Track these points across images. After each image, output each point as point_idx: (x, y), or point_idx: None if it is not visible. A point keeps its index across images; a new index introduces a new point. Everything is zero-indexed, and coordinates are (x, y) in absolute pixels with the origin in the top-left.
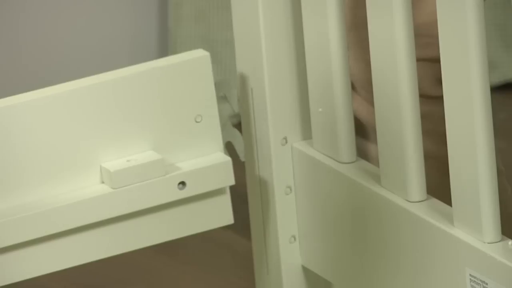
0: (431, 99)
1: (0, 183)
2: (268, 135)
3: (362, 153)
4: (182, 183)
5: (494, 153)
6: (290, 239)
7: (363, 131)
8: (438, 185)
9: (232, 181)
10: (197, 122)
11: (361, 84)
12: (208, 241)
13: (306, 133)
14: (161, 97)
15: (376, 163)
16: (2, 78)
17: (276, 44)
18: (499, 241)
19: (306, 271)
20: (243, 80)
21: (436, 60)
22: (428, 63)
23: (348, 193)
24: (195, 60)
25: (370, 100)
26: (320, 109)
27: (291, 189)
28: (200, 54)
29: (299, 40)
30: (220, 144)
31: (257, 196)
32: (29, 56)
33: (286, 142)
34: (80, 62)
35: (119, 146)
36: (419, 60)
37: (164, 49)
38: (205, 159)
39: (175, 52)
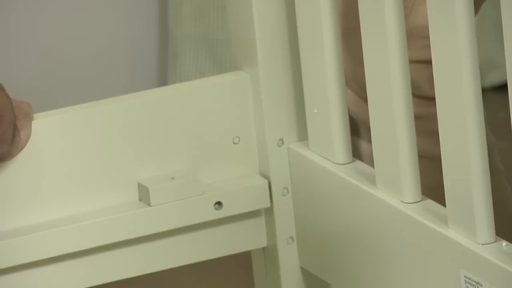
0: (429, 100)
1: (36, 198)
2: (265, 136)
3: (354, 150)
4: (219, 203)
5: (486, 155)
6: (288, 240)
7: (354, 127)
8: (439, 185)
9: (267, 204)
10: (234, 143)
11: (351, 76)
12: None
13: (303, 134)
14: (200, 117)
15: (367, 160)
16: (1, 78)
17: (271, 46)
18: (493, 242)
19: (304, 272)
20: None
21: None
22: (427, 65)
23: (344, 194)
24: (234, 82)
25: (359, 93)
26: (316, 111)
27: (288, 190)
28: (240, 76)
29: (294, 41)
30: (256, 166)
31: None
32: (29, 56)
33: (283, 143)
34: (80, 62)
35: (157, 164)
36: (418, 62)
37: (164, 49)
38: (242, 180)
39: (175, 52)
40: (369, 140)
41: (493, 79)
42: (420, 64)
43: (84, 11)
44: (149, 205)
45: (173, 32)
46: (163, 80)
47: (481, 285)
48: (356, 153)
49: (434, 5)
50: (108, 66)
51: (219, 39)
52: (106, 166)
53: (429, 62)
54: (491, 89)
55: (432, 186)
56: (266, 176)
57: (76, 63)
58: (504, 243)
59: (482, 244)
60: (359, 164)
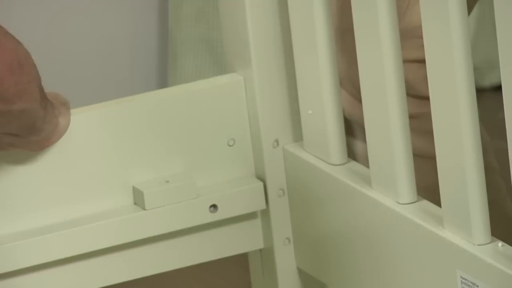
0: (426, 100)
1: (31, 203)
2: (260, 137)
3: (349, 151)
4: (214, 206)
5: (481, 154)
6: (284, 241)
7: (349, 128)
8: (435, 184)
9: (263, 206)
10: (229, 145)
11: (346, 77)
12: None
13: (298, 135)
14: (195, 120)
15: (362, 161)
16: None
17: (265, 47)
18: (488, 243)
19: (301, 273)
20: None
21: None
22: (422, 65)
23: (339, 195)
24: (229, 84)
25: (354, 94)
26: (310, 112)
27: (284, 192)
28: (235, 79)
29: (288, 43)
30: (252, 168)
31: None
32: None
33: (278, 144)
34: (80, 62)
35: (151, 167)
36: (413, 61)
37: (164, 49)
38: (237, 182)
39: (175, 52)
40: (364, 140)
41: (493, 79)
42: (415, 64)
43: (84, 11)
44: (144, 209)
45: (173, 32)
46: (163, 81)
47: (477, 286)
48: (351, 154)
49: (427, 5)
50: (108, 66)
51: (219, 39)
52: (101, 170)
53: (424, 61)
54: (491, 89)
55: (429, 185)
56: (261, 178)
57: (75, 63)
58: (500, 243)
59: (478, 245)
60: (354, 164)
